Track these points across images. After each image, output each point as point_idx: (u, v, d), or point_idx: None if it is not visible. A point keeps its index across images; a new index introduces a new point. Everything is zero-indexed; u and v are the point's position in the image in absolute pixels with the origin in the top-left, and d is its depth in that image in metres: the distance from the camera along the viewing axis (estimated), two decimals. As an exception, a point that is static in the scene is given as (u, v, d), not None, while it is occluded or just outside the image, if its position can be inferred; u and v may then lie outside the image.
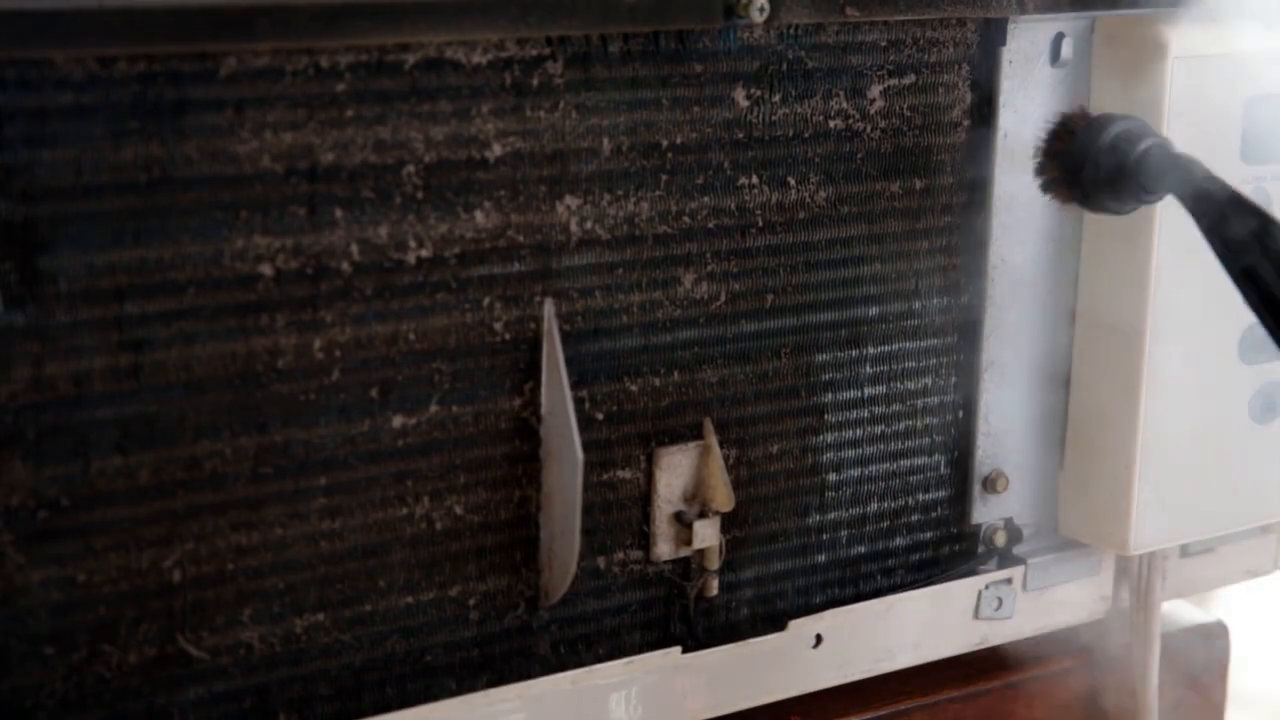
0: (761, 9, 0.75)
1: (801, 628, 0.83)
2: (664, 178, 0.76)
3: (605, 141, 0.74)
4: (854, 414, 0.83)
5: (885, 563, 0.86)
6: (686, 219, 0.77)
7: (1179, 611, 0.96)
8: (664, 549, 0.79)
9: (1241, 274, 0.74)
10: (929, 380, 0.85)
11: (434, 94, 0.70)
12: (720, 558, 0.80)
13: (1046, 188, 0.82)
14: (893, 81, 0.81)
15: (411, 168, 0.70)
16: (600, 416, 0.77)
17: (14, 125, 0.62)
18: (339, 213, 0.69)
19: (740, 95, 0.77)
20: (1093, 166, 0.79)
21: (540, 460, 0.75)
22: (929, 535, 0.87)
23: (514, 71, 0.72)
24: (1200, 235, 0.76)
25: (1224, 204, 0.75)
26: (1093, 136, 0.79)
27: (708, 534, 0.79)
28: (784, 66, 0.78)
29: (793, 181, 0.80)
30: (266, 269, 0.68)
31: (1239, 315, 0.87)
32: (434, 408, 0.73)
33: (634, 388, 0.77)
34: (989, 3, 0.82)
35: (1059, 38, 0.85)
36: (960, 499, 0.87)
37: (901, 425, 0.85)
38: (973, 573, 0.88)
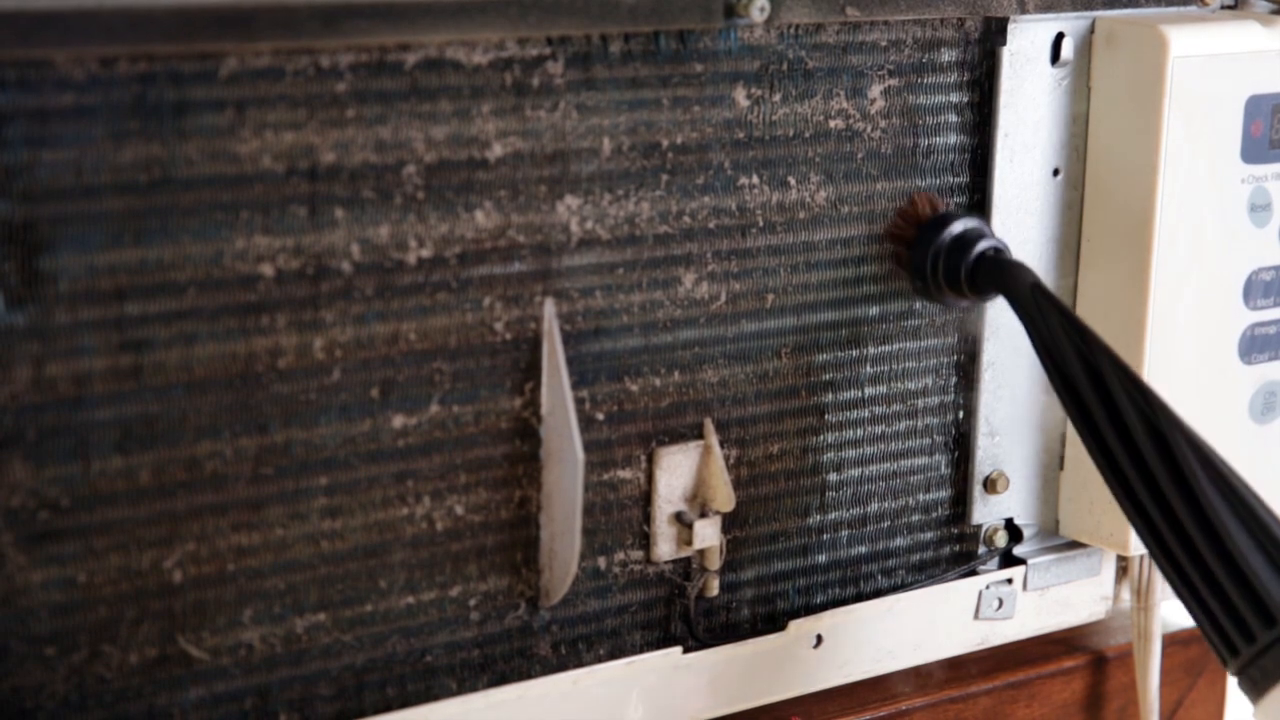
0: (761, 9, 0.75)
1: (802, 628, 0.83)
2: (664, 178, 0.76)
3: (605, 141, 0.74)
4: (854, 414, 0.83)
5: (885, 563, 0.86)
6: (687, 219, 0.77)
7: (1179, 611, 0.96)
8: (664, 549, 0.79)
9: (1062, 384, 0.76)
10: (929, 380, 0.85)
11: (434, 94, 0.70)
12: (721, 558, 0.80)
13: (892, 267, 0.82)
14: (893, 81, 0.81)
15: (412, 168, 0.70)
16: (601, 416, 0.77)
17: (14, 126, 0.62)
18: (339, 213, 0.69)
19: (740, 95, 0.77)
20: (933, 264, 0.80)
21: (541, 460, 0.75)
22: (929, 535, 0.87)
23: (514, 71, 0.72)
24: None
25: (1049, 313, 0.77)
26: (935, 234, 0.80)
27: (708, 534, 0.79)
28: (784, 66, 0.78)
29: (793, 181, 0.80)
30: (267, 269, 0.68)
31: (1239, 315, 0.87)
32: (434, 408, 0.73)
33: (634, 388, 0.77)
34: (989, 3, 0.82)
35: (1059, 38, 0.85)
36: (960, 499, 0.87)
37: (901, 425, 0.85)
38: (973, 573, 0.88)
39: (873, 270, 0.83)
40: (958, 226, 0.80)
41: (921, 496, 0.86)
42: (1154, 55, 0.83)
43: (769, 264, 0.80)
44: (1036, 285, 0.78)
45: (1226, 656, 0.72)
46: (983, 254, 0.80)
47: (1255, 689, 0.71)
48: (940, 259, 0.80)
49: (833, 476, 0.84)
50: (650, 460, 0.78)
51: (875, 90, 0.81)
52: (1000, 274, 0.79)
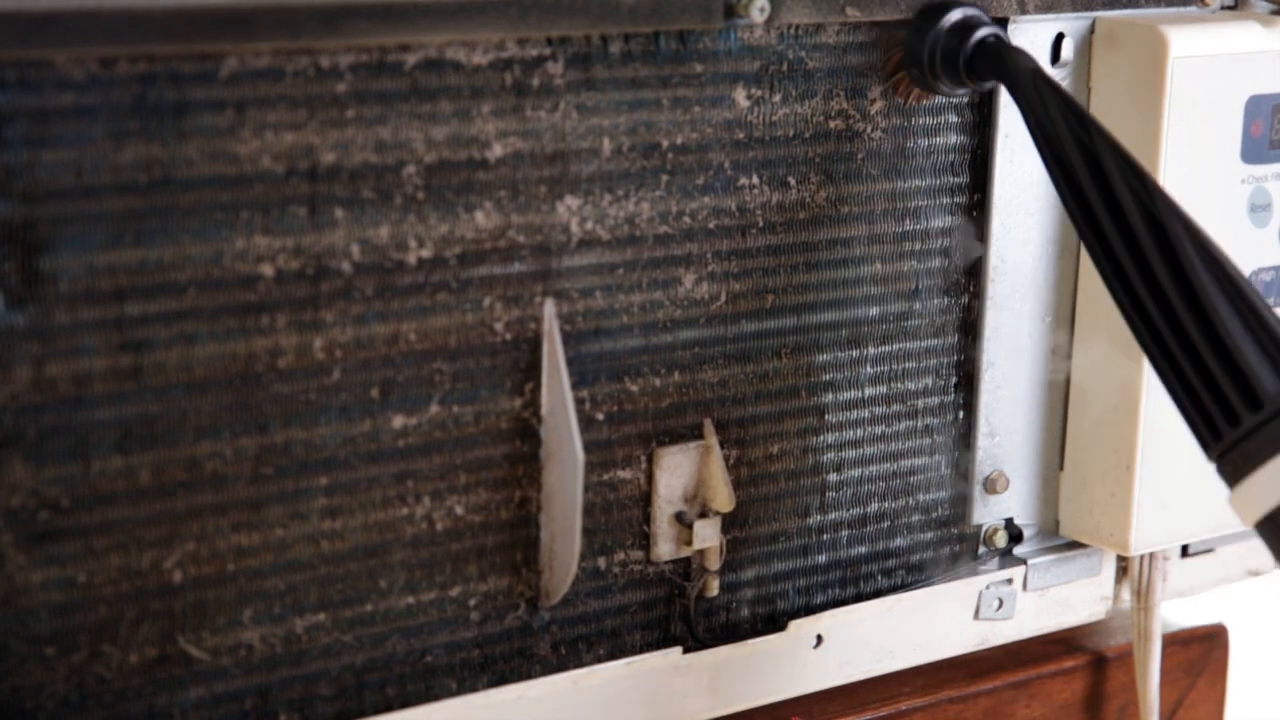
0: (761, 9, 0.75)
1: (802, 628, 0.83)
2: (664, 178, 0.76)
3: (605, 142, 0.74)
4: (854, 414, 0.84)
5: (885, 563, 0.86)
6: (687, 219, 0.77)
7: (1179, 611, 0.96)
8: (664, 549, 0.79)
9: (1060, 172, 0.75)
10: (929, 380, 0.85)
11: (434, 94, 0.70)
12: (721, 558, 0.80)
13: (887, 76, 0.81)
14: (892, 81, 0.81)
15: (412, 168, 0.70)
16: (601, 416, 0.77)
17: (14, 126, 0.62)
18: (339, 213, 0.69)
19: (740, 95, 0.77)
20: (930, 53, 0.79)
21: (541, 460, 0.75)
22: (929, 535, 0.87)
23: (514, 71, 0.72)
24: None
25: (1049, 100, 0.75)
26: (931, 22, 0.79)
27: (708, 534, 0.79)
28: (784, 66, 0.78)
29: (793, 181, 0.80)
30: (267, 269, 0.68)
31: (1239, 315, 0.87)
32: (434, 408, 0.73)
33: (634, 388, 0.77)
34: (989, 3, 0.82)
35: (1059, 38, 0.85)
36: (960, 499, 0.87)
37: (901, 425, 0.85)
38: (973, 573, 0.88)
39: (873, 270, 0.83)
40: (956, 13, 0.79)
41: (921, 496, 0.86)
42: (1154, 55, 0.83)
43: (769, 264, 0.80)
44: (1036, 71, 0.77)
45: (1209, 441, 0.71)
46: (982, 40, 0.79)
47: (1235, 473, 0.70)
48: (938, 45, 0.79)
49: (833, 476, 0.84)
50: (650, 460, 0.78)
51: (875, 90, 0.81)
52: (999, 60, 0.78)
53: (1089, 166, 0.74)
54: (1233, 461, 0.71)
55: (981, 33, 0.79)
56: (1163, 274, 0.71)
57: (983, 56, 0.79)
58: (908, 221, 0.83)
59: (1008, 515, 0.89)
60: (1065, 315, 0.88)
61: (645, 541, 0.79)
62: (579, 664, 0.78)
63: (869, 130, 0.81)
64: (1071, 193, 0.74)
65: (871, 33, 0.80)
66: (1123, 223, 0.72)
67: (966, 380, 0.86)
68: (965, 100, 0.83)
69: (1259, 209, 0.87)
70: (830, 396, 0.83)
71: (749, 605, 0.82)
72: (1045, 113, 0.75)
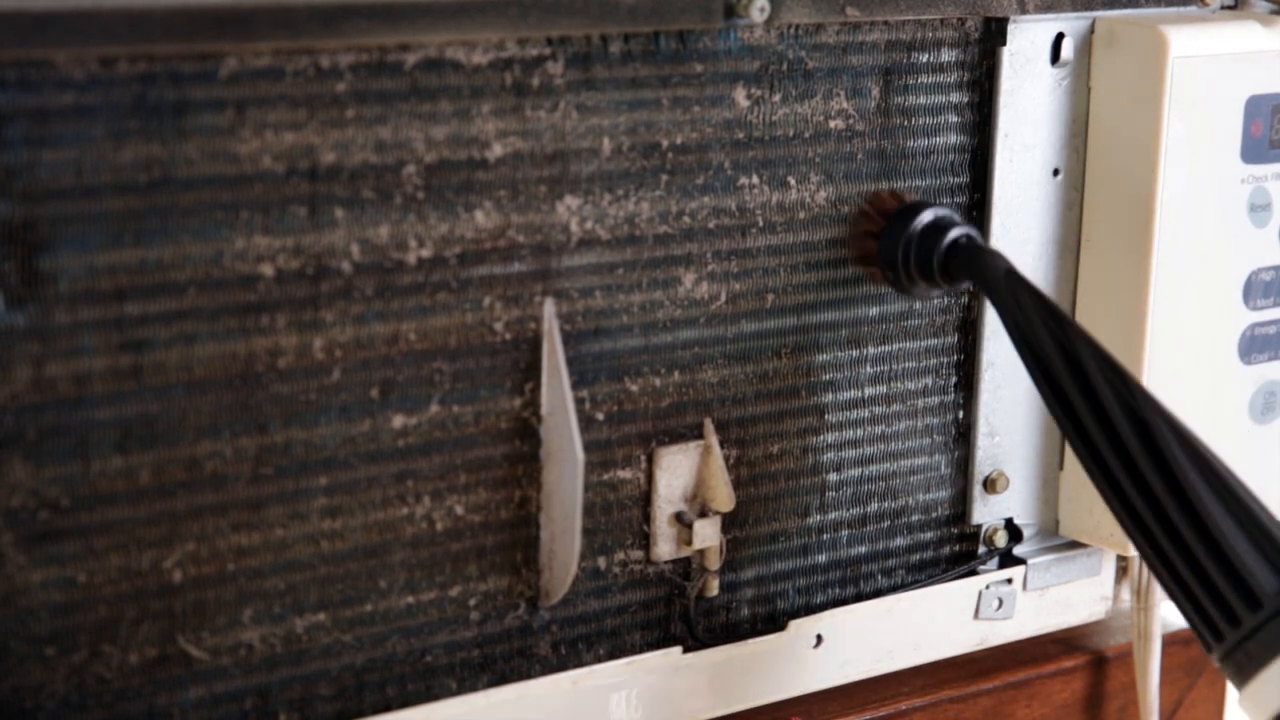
0: (761, 9, 0.75)
1: (802, 628, 0.83)
2: (664, 178, 0.76)
3: (605, 141, 0.74)
4: (854, 414, 0.83)
5: (885, 563, 0.86)
6: (687, 219, 0.77)
7: (1179, 611, 0.96)
8: (664, 549, 0.79)
9: (1039, 371, 0.75)
10: (929, 380, 0.85)
11: (434, 94, 0.70)
12: (720, 558, 0.80)
13: (857, 264, 0.81)
14: (893, 81, 0.81)
15: (412, 168, 0.70)
16: (600, 416, 0.77)
17: (15, 126, 0.62)
18: (339, 213, 0.69)
19: (740, 95, 0.77)
20: (904, 255, 0.79)
21: (540, 460, 0.75)
22: (929, 535, 0.87)
23: (514, 71, 0.72)
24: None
25: (1025, 301, 0.76)
26: (904, 224, 0.79)
27: (708, 534, 0.79)
28: (784, 66, 0.78)
29: (793, 181, 0.80)
30: (267, 269, 0.68)
31: (1239, 315, 0.87)
32: (434, 408, 0.73)
33: (634, 388, 0.77)
34: (989, 3, 0.82)
35: (1059, 38, 0.85)
36: (960, 499, 0.87)
37: (901, 425, 0.85)
38: (973, 573, 0.88)
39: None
40: (928, 215, 0.79)
41: (921, 496, 0.86)
42: (1154, 55, 0.83)
43: (769, 264, 0.80)
44: (1010, 272, 0.77)
45: (1211, 643, 0.72)
46: (955, 241, 0.79)
47: (1240, 674, 0.71)
48: (911, 248, 0.79)
49: (833, 476, 0.84)
50: (650, 460, 0.78)
51: (875, 90, 0.81)
52: (974, 261, 0.78)
53: (1069, 366, 0.74)
54: (1237, 662, 0.71)
55: (954, 234, 0.79)
56: (1150, 475, 0.72)
57: (956, 258, 0.79)
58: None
59: (1008, 515, 0.89)
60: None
61: (645, 541, 0.79)
62: (579, 664, 0.78)
63: (869, 130, 0.81)
64: (1053, 393, 0.74)
65: (880, 32, 0.80)
66: (1107, 423, 0.73)
67: (966, 380, 0.86)
68: (965, 100, 0.83)
69: (1259, 209, 0.87)
70: (830, 396, 0.83)
71: (749, 605, 0.82)
72: (1021, 314, 0.76)
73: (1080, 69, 0.86)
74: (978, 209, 0.85)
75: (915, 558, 0.87)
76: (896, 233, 0.79)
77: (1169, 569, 0.72)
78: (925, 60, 0.82)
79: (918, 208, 0.80)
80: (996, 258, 0.78)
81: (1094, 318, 0.87)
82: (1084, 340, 0.74)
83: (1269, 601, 0.70)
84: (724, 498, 0.79)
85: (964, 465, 0.87)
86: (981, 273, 0.78)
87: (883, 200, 0.80)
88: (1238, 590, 0.71)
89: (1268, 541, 0.71)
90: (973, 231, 0.80)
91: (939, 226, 0.79)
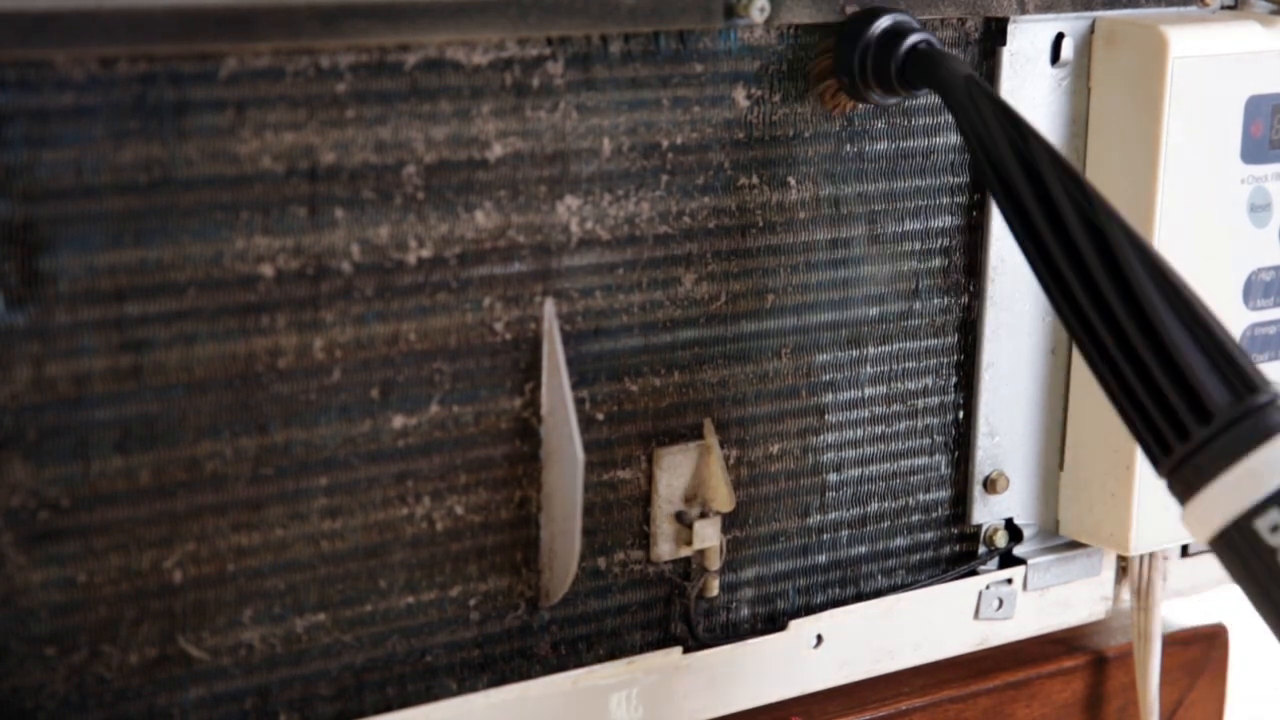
0: (761, 9, 0.75)
1: (802, 628, 0.83)
2: (664, 178, 0.76)
3: (605, 142, 0.74)
4: (854, 414, 0.83)
5: (885, 563, 0.86)
6: (687, 219, 0.77)
7: (1179, 611, 0.96)
8: (664, 549, 0.79)
9: (997, 180, 0.73)
10: (929, 380, 0.85)
11: (434, 94, 0.70)
12: (721, 558, 0.80)
13: (816, 84, 0.79)
14: (893, 81, 0.81)
15: (412, 168, 0.70)
16: (600, 416, 0.77)
17: (14, 126, 0.62)
18: (339, 213, 0.69)
19: (740, 95, 0.77)
20: (860, 61, 0.77)
21: (541, 460, 0.75)
22: (929, 535, 0.87)
23: (514, 71, 0.72)
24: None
25: (984, 106, 0.74)
26: (859, 30, 0.77)
27: (708, 534, 0.79)
28: (784, 66, 0.78)
29: (793, 181, 0.80)
30: (267, 269, 0.68)
31: (1239, 315, 0.87)
32: (434, 408, 0.73)
33: (634, 388, 0.77)
34: (989, 3, 0.82)
35: (1059, 38, 0.85)
36: (960, 499, 0.87)
37: (901, 425, 0.85)
38: (973, 573, 0.88)
39: (873, 270, 0.83)
40: (886, 20, 0.77)
41: (921, 496, 0.86)
42: (1154, 55, 0.83)
43: (769, 264, 0.80)
44: (970, 77, 0.75)
45: (1159, 456, 0.69)
46: (914, 47, 0.77)
47: (1186, 489, 0.68)
48: (869, 54, 0.77)
49: (833, 476, 0.84)
50: (650, 460, 0.78)
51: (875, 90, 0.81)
52: (932, 67, 0.76)
53: (1026, 173, 0.72)
54: (1183, 478, 0.68)
55: (913, 39, 0.77)
56: (1104, 282, 0.69)
57: (915, 64, 0.77)
58: (908, 221, 0.83)
59: (1008, 515, 0.89)
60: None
61: (645, 541, 0.79)
62: (579, 664, 0.78)
63: (869, 130, 0.81)
64: (1009, 200, 0.72)
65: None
66: (1061, 230, 0.71)
67: (966, 380, 0.86)
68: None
69: (1259, 209, 0.87)
70: (830, 396, 0.83)
71: (749, 605, 0.82)
72: (980, 119, 0.73)
73: (1080, 69, 0.86)
74: (978, 209, 0.85)
75: (915, 558, 0.87)
76: (853, 38, 0.77)
77: (1118, 379, 0.70)
78: (925, 60, 0.82)
79: (875, 13, 0.77)
80: (956, 63, 0.76)
81: (1094, 318, 0.87)
82: (1043, 148, 0.72)
83: (1219, 414, 0.68)
84: (724, 498, 0.79)
85: (964, 465, 0.87)
86: (940, 79, 0.76)
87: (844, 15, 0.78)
88: (1188, 402, 0.68)
89: (1220, 354, 0.68)
90: (931, 37, 0.78)
91: (897, 32, 0.77)
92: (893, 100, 0.80)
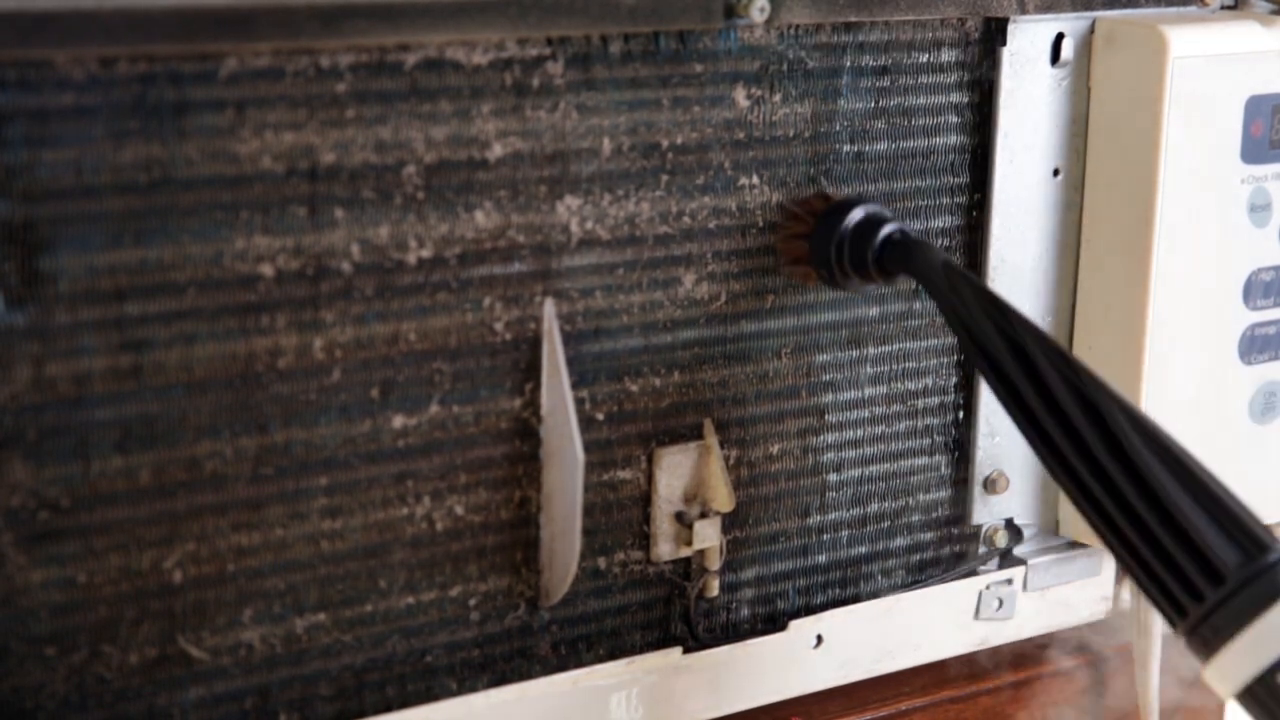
0: (761, 9, 0.75)
1: (802, 628, 0.83)
2: (664, 178, 0.76)
3: (605, 142, 0.74)
4: (854, 414, 0.83)
5: (885, 563, 0.86)
6: (687, 219, 0.77)
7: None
8: (664, 549, 0.79)
9: (984, 361, 0.75)
10: (929, 380, 0.85)
11: (434, 94, 0.70)
12: (721, 558, 0.80)
13: (789, 266, 0.80)
14: (892, 82, 0.81)
15: (412, 168, 0.70)
16: (601, 416, 0.77)
17: (14, 126, 0.62)
18: (339, 213, 0.69)
19: (740, 95, 0.77)
20: (838, 253, 0.79)
21: (541, 460, 0.75)
22: (929, 535, 0.87)
23: (514, 71, 0.72)
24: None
25: (964, 291, 0.75)
26: (835, 223, 0.79)
27: (708, 534, 0.79)
28: (784, 66, 0.78)
29: (793, 181, 0.80)
30: (267, 269, 0.68)
31: (1239, 315, 0.87)
32: (434, 408, 0.73)
33: (634, 388, 0.77)
34: (989, 3, 0.82)
35: (1059, 38, 0.85)
36: (961, 499, 0.87)
37: (902, 425, 0.85)
38: (973, 573, 0.88)
39: (873, 270, 0.82)
40: (859, 213, 0.78)
41: (921, 496, 0.86)
42: (1154, 55, 0.83)
43: (769, 264, 0.80)
44: (947, 263, 0.76)
45: (1175, 619, 0.71)
46: (889, 237, 0.78)
47: (1206, 648, 0.70)
48: (845, 247, 0.78)
49: (833, 476, 0.84)
50: (650, 460, 0.78)
51: (875, 90, 0.81)
52: (909, 256, 0.78)
53: (1014, 354, 0.73)
54: (1201, 638, 0.70)
55: (887, 230, 0.78)
56: (1104, 457, 0.71)
57: (892, 253, 0.78)
58: (908, 221, 0.83)
59: (1008, 515, 0.89)
60: (1065, 315, 0.88)
61: (645, 541, 0.79)
62: (579, 664, 0.78)
63: (869, 130, 0.81)
64: (1000, 382, 0.74)
65: (881, 32, 0.80)
66: (1056, 409, 0.72)
67: (966, 380, 0.86)
68: (965, 100, 0.83)
69: (1259, 209, 0.87)
70: (830, 396, 0.83)
71: (749, 605, 0.82)
72: (962, 305, 0.75)
73: (1080, 69, 0.86)
74: (978, 209, 0.85)
75: (915, 558, 0.87)
76: (828, 231, 0.78)
77: (1129, 550, 0.71)
78: (925, 60, 0.82)
79: (847, 205, 0.79)
80: (932, 251, 0.77)
81: (1094, 318, 0.87)
82: (1026, 328, 0.73)
83: (1231, 575, 0.69)
84: (724, 498, 0.79)
85: (964, 465, 0.87)
86: (918, 267, 0.77)
87: (810, 202, 0.80)
88: (1199, 566, 0.70)
89: (1225, 516, 0.70)
90: (905, 226, 0.78)
91: (871, 223, 0.78)
92: (871, 288, 0.81)
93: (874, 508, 0.85)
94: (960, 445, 0.87)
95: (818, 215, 0.79)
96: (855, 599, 0.85)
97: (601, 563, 0.78)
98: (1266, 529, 0.71)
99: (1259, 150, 0.86)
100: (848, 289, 0.80)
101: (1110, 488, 0.71)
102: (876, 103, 0.81)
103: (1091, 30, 0.85)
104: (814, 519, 0.83)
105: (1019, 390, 0.73)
